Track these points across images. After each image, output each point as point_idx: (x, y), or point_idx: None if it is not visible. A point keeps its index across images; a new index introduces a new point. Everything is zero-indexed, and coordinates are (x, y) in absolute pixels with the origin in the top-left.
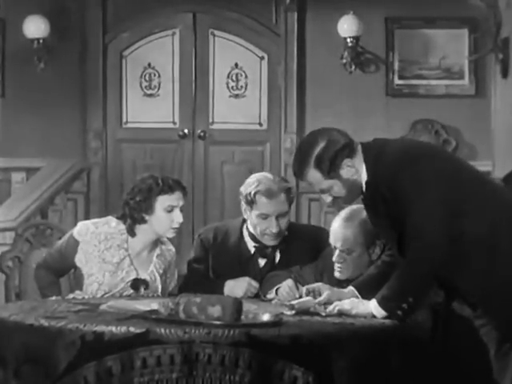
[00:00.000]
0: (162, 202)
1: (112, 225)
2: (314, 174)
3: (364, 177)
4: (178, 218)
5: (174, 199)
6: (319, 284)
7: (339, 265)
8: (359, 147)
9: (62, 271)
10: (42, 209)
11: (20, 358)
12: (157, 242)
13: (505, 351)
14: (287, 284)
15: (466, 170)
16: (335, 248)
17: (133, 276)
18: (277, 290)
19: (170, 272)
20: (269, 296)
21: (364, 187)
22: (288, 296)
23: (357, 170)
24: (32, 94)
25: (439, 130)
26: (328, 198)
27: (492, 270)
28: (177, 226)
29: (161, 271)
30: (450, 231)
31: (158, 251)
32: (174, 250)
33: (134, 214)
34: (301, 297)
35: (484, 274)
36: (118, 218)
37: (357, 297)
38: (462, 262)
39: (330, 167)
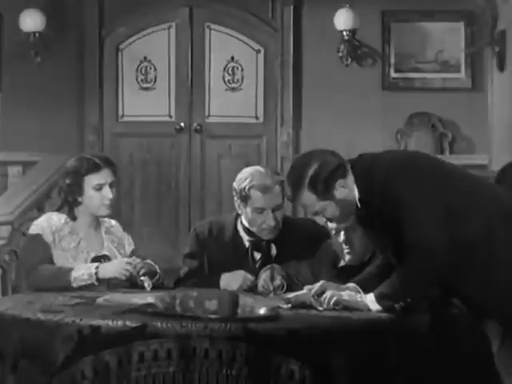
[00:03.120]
0: (90, 181)
1: (54, 219)
2: (308, 196)
3: (357, 194)
4: (107, 194)
5: (101, 177)
6: (323, 283)
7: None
8: (348, 166)
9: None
10: (39, 203)
11: (17, 352)
12: (98, 221)
13: (509, 345)
14: (262, 278)
15: (457, 173)
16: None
17: (92, 255)
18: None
19: (127, 242)
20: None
21: (358, 204)
22: (263, 289)
23: (350, 190)
24: (29, 87)
25: (436, 124)
26: (321, 220)
27: (491, 269)
28: (107, 202)
29: (115, 244)
30: (447, 238)
31: (103, 229)
32: (116, 223)
33: (68, 197)
34: (279, 288)
35: (484, 274)
36: (55, 210)
37: (359, 292)
38: (461, 265)
39: (324, 189)
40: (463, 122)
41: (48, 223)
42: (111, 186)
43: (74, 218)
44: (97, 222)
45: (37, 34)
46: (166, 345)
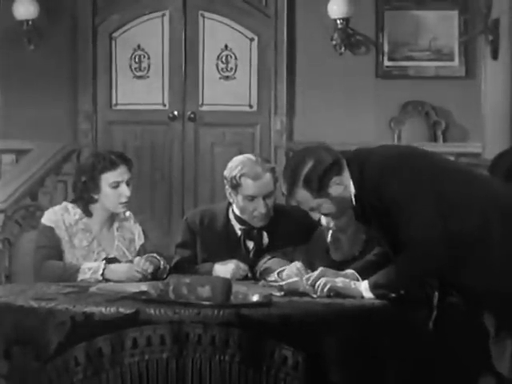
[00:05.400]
0: (107, 179)
1: (70, 211)
2: (303, 194)
3: (353, 190)
4: (124, 192)
5: (117, 175)
6: (322, 269)
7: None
8: (344, 162)
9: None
10: (32, 191)
11: (10, 339)
12: (113, 218)
13: (502, 337)
14: (295, 266)
15: (450, 167)
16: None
17: (103, 256)
18: (279, 273)
19: (137, 236)
20: (269, 279)
21: (354, 200)
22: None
23: (346, 187)
24: (22, 75)
25: (429, 112)
26: (317, 216)
27: (488, 261)
28: (124, 200)
29: (126, 242)
30: (443, 234)
31: (116, 225)
32: (130, 214)
33: (83, 195)
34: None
35: (481, 267)
36: (72, 201)
37: (357, 279)
38: (458, 259)
39: (318, 187)
40: (457, 110)
41: (62, 217)
42: (128, 183)
43: (89, 214)
44: (111, 218)
45: (30, 22)
46: (160, 331)
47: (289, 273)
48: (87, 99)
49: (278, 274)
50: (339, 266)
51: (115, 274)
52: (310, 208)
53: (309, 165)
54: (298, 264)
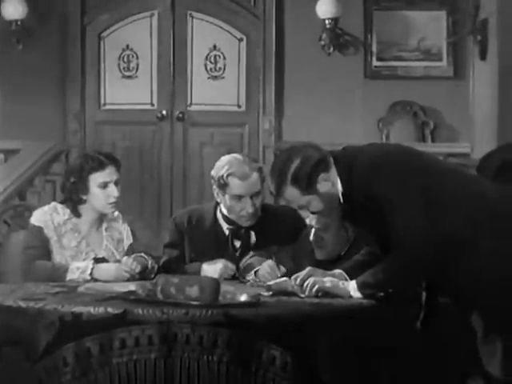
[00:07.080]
0: (95, 179)
1: (59, 211)
2: (291, 192)
3: (340, 188)
4: (113, 192)
5: (106, 175)
6: (309, 269)
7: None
8: (331, 159)
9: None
10: (21, 191)
11: (0, 339)
12: (102, 218)
13: (492, 339)
14: (268, 264)
15: (438, 167)
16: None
17: (91, 256)
18: (256, 272)
19: (126, 236)
20: (248, 278)
21: (341, 199)
22: (269, 276)
23: (333, 183)
24: (10, 75)
25: (418, 112)
26: (306, 214)
27: (478, 263)
28: (113, 200)
29: (115, 242)
30: (433, 235)
31: (105, 225)
32: (118, 214)
33: (72, 196)
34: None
35: (470, 268)
36: (61, 202)
37: (345, 279)
38: (447, 259)
39: (307, 183)
40: (445, 110)
41: (51, 217)
42: (116, 183)
43: (78, 215)
44: (100, 219)
45: (19, 22)
46: (148, 331)
47: (262, 272)
48: (76, 99)
49: (255, 272)
50: (325, 265)
51: (103, 273)
52: (299, 206)
53: (296, 162)
54: (270, 262)
